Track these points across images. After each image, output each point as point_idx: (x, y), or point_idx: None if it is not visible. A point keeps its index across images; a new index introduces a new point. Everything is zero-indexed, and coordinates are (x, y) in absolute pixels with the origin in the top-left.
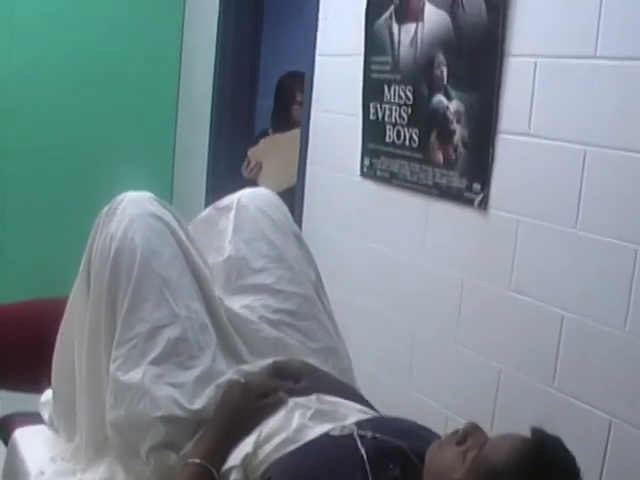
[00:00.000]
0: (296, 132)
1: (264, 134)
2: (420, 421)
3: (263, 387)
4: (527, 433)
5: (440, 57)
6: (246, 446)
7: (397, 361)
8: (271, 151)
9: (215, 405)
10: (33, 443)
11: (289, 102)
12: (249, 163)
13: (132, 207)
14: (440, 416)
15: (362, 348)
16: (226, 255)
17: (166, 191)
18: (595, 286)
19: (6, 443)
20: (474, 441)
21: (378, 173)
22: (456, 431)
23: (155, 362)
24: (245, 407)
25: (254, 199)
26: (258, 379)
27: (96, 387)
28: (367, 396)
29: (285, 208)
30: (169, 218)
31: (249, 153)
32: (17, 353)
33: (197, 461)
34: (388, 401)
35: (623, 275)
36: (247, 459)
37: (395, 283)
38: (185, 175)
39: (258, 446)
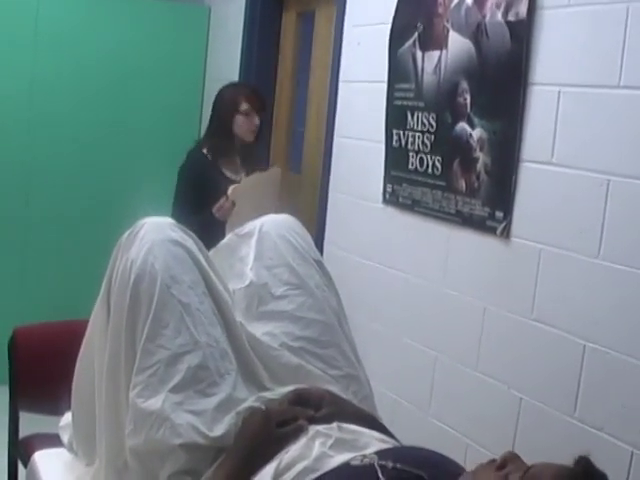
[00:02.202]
0: (275, 171)
1: (198, 151)
2: (440, 449)
3: (284, 415)
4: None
5: (464, 85)
6: (266, 474)
7: (418, 389)
8: (249, 191)
9: (235, 432)
10: (52, 466)
11: (229, 113)
12: (226, 200)
13: (152, 233)
14: (460, 444)
15: (383, 375)
16: (247, 282)
17: None
18: (617, 316)
19: (25, 465)
20: (515, 467)
21: (400, 200)
22: (493, 460)
23: (175, 390)
24: (265, 435)
25: (276, 226)
26: (279, 407)
27: (116, 413)
28: (387, 423)
29: (307, 235)
30: (189, 244)
31: (230, 191)
32: (37, 374)
33: None
34: (408, 428)
35: None
36: None
37: (416, 310)
38: None
39: (278, 475)
